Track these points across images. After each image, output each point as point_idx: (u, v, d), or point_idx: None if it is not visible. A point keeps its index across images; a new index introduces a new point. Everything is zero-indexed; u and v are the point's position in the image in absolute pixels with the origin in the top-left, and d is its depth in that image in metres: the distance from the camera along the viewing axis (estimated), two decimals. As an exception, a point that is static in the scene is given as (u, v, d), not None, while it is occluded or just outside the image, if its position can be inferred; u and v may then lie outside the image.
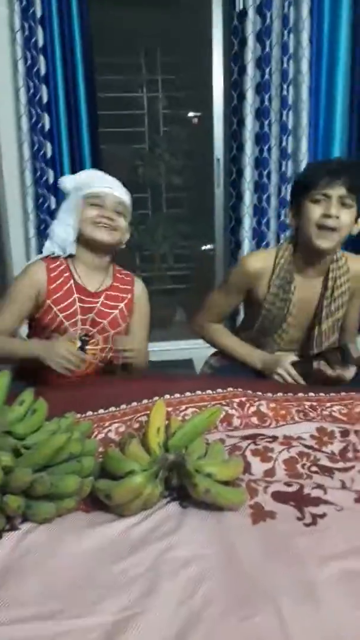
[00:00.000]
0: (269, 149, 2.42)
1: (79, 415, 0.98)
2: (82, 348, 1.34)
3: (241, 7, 2.33)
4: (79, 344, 1.34)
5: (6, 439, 0.81)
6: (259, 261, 1.36)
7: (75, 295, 1.34)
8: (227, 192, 2.65)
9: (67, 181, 1.39)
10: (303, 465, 0.85)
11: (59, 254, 1.36)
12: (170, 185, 3.32)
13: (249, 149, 2.43)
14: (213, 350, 1.53)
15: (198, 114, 3.25)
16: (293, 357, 1.30)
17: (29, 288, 1.31)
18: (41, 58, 2.25)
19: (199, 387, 1.08)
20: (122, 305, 1.41)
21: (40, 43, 2.24)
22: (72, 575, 0.66)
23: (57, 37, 2.25)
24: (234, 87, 2.44)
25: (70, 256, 1.38)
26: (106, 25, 2.59)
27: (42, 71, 2.27)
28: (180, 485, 0.79)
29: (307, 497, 0.78)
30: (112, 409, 1.02)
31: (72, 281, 1.35)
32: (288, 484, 0.81)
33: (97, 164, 2.41)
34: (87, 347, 1.35)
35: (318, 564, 0.65)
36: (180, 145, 3.25)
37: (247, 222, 2.47)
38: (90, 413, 1.00)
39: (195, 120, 3.33)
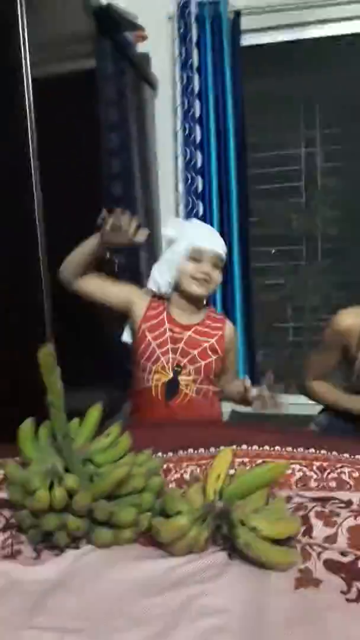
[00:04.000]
0: None
1: (160, 454, 1.04)
2: (175, 378, 1.44)
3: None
4: (171, 374, 1.44)
5: (85, 466, 0.91)
6: (350, 317, 1.35)
7: (167, 325, 1.47)
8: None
9: (172, 230, 1.51)
10: (369, 537, 0.78)
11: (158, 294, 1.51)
12: (326, 236, 3.28)
13: None
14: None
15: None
16: None
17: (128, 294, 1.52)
18: (197, 127, 2.50)
19: (281, 442, 1.06)
20: (212, 340, 1.49)
21: (197, 114, 2.49)
22: (106, 600, 0.72)
23: (212, 109, 2.47)
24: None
25: (165, 298, 1.52)
26: (264, 90, 2.75)
27: (198, 139, 2.51)
28: (230, 537, 0.79)
29: (360, 572, 0.71)
30: (190, 451, 1.06)
31: (165, 313, 1.49)
32: (344, 554, 0.75)
33: (244, 218, 2.54)
34: (180, 377, 1.45)
35: (341, 644, 0.60)
36: (336, 197, 3.22)
37: None
38: (170, 454, 1.06)
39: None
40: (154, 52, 2.46)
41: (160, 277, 1.49)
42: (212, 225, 2.53)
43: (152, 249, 2.49)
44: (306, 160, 3.32)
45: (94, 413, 1.03)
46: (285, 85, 3.02)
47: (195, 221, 1.62)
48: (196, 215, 2.55)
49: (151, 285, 1.53)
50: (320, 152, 3.27)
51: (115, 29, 1.90)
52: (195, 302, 1.51)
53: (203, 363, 1.47)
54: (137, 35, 2.24)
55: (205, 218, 2.54)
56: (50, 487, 0.82)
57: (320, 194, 3.28)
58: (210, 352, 1.48)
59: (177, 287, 1.49)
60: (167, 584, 0.74)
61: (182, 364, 1.45)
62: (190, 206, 2.54)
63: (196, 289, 1.45)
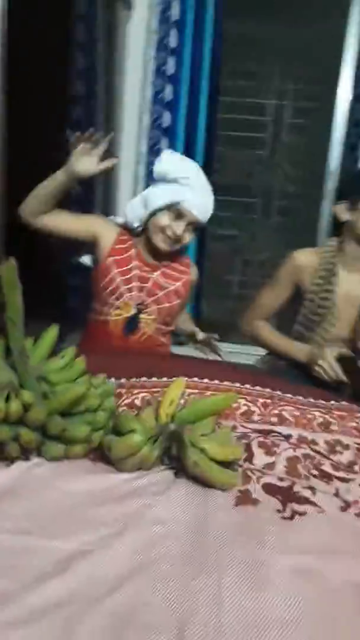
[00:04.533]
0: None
1: (112, 380, 1.06)
2: (136, 316, 1.44)
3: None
4: (133, 311, 1.43)
5: (39, 383, 0.91)
6: (306, 255, 1.45)
7: (135, 262, 1.44)
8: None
9: (167, 167, 1.38)
10: (304, 467, 0.85)
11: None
12: (283, 193, 3.32)
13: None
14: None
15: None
16: (340, 350, 1.29)
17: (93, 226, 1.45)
18: (171, 59, 2.39)
19: (230, 378, 1.11)
20: (178, 284, 1.49)
21: (173, 45, 2.38)
22: (57, 506, 0.74)
23: (190, 40, 2.36)
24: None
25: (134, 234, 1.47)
26: (243, 34, 2.67)
27: (170, 71, 2.40)
28: (178, 457, 0.84)
29: (295, 495, 0.78)
30: (144, 379, 1.09)
31: (133, 250, 1.45)
32: (281, 479, 0.81)
33: (210, 165, 2.50)
34: (142, 315, 1.44)
35: (276, 555, 0.66)
36: (299, 156, 3.24)
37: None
38: (123, 380, 1.08)
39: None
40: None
41: (133, 212, 1.42)
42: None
43: (108, 180, 2.43)
44: (275, 112, 3.30)
45: (50, 333, 1.02)
46: (267, 33, 2.94)
47: (193, 167, 1.43)
48: (158, 152, 2.48)
49: (121, 217, 1.48)
50: (291, 106, 3.25)
51: None
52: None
53: (167, 305, 1.47)
54: None
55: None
56: (6, 400, 0.82)
57: (283, 150, 3.28)
58: (174, 295, 1.49)
59: (144, 229, 1.44)
60: (116, 495, 0.77)
61: (146, 303, 1.44)
62: (154, 141, 2.47)
63: (161, 243, 1.41)
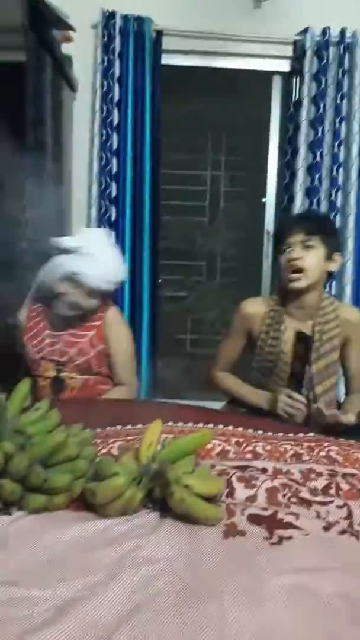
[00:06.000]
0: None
1: (88, 430, 1.06)
2: (58, 377, 1.53)
3: (297, 97, 2.57)
4: (53, 373, 1.53)
5: (16, 436, 0.91)
6: (254, 304, 1.55)
7: (45, 332, 1.55)
8: (274, 264, 2.78)
9: (75, 244, 1.46)
10: (284, 495, 0.87)
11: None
12: (225, 255, 3.51)
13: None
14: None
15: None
16: (290, 392, 1.34)
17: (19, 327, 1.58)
18: (114, 135, 2.56)
19: (203, 420, 1.14)
20: (90, 333, 1.54)
21: (115, 122, 2.55)
22: (45, 557, 0.72)
23: (131, 118, 2.55)
24: (286, 167, 2.63)
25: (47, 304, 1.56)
26: (179, 112, 2.91)
27: (115, 146, 2.57)
28: (162, 499, 0.84)
29: (279, 522, 0.80)
30: (118, 427, 1.10)
31: (44, 321, 1.57)
32: (264, 509, 0.84)
33: (155, 232, 2.63)
34: (63, 374, 1.53)
35: (270, 576, 0.68)
36: (237, 219, 3.46)
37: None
38: (98, 430, 1.09)
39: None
40: (76, 56, 2.50)
41: (41, 286, 1.52)
42: (124, 232, 2.58)
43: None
44: (211, 182, 3.54)
45: (23, 387, 1.03)
46: (197, 108, 3.21)
47: (97, 238, 1.52)
48: (108, 220, 2.59)
49: (34, 287, 1.56)
50: (225, 176, 3.51)
51: (46, 23, 1.92)
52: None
53: (83, 359, 1.53)
54: (63, 35, 2.26)
55: (118, 223, 2.59)
56: (-15, 452, 0.81)
57: (222, 216, 3.51)
58: (89, 347, 1.53)
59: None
60: (103, 541, 0.76)
61: (62, 362, 1.53)
62: (103, 210, 2.58)
63: (61, 310, 1.50)
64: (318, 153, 2.52)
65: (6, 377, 1.13)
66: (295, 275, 1.42)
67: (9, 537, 0.76)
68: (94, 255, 1.45)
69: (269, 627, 0.59)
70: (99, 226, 2.56)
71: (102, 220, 2.58)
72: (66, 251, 1.46)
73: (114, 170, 2.57)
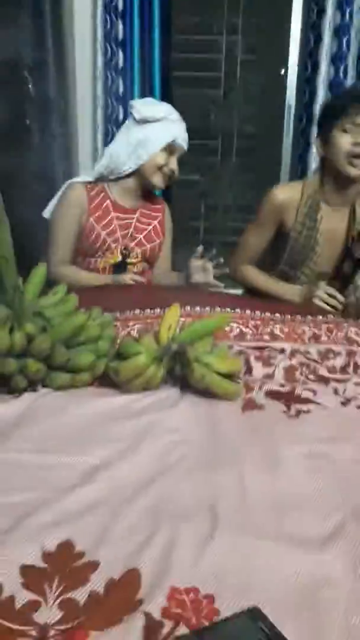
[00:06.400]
0: (343, 97, 2.36)
1: (107, 314, 1.07)
2: (123, 261, 1.48)
3: None
4: (119, 257, 1.48)
5: (36, 318, 0.91)
6: (286, 192, 1.41)
7: (113, 213, 1.47)
8: (296, 142, 2.61)
9: (149, 112, 1.42)
10: (302, 373, 0.90)
11: (101, 178, 1.48)
12: (242, 133, 3.29)
13: (322, 96, 2.37)
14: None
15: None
16: (325, 285, 1.31)
17: (74, 208, 1.44)
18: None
19: (221, 305, 1.14)
20: (155, 222, 1.55)
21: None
22: (73, 427, 0.76)
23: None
24: (312, 30, 2.36)
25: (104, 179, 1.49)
26: None
27: (120, 8, 2.31)
28: (182, 375, 0.87)
29: (298, 397, 0.83)
30: (137, 311, 1.10)
31: (109, 200, 1.48)
32: (282, 385, 0.86)
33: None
34: (128, 259, 1.49)
35: (288, 445, 0.71)
36: (255, 92, 3.20)
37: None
38: (117, 314, 1.10)
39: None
40: None
41: (127, 157, 1.44)
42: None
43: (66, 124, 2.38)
44: (227, 49, 3.22)
45: (39, 271, 1.02)
46: None
47: (167, 108, 1.49)
48: (116, 92, 2.41)
49: (102, 168, 1.48)
50: (242, 41, 3.17)
51: None
52: (143, 188, 1.51)
53: (149, 246, 1.53)
54: None
55: (125, 97, 2.41)
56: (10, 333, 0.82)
57: (239, 87, 3.23)
58: (154, 235, 1.54)
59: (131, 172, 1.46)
60: (127, 414, 0.80)
61: (129, 247, 1.50)
62: (110, 81, 2.39)
63: (159, 181, 1.46)
64: (347, 12, 2.24)
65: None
66: (357, 161, 1.28)
67: (38, 410, 0.80)
68: (178, 120, 1.47)
69: (288, 491, 0.62)
70: (106, 100, 2.39)
71: (110, 93, 2.40)
72: (144, 121, 1.43)
73: (120, 36, 2.33)
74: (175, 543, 0.54)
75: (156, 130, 1.42)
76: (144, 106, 1.44)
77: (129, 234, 1.49)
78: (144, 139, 1.42)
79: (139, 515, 0.59)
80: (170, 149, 1.44)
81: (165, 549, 0.53)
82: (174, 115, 1.46)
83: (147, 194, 1.55)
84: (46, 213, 1.55)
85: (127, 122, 1.51)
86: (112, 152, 1.47)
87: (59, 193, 1.52)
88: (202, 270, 1.38)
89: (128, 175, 1.47)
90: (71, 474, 0.66)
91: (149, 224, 1.53)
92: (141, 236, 1.51)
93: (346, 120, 1.28)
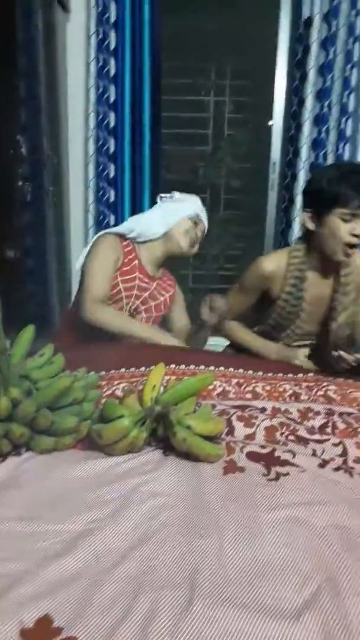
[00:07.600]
0: (325, 155, 2.47)
1: (92, 373, 1.09)
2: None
3: (307, 15, 2.39)
4: (126, 314, 1.56)
5: (22, 381, 0.94)
6: (273, 262, 1.43)
7: (137, 274, 1.57)
8: (280, 196, 2.71)
9: (179, 195, 1.69)
10: (282, 434, 0.92)
11: (130, 237, 1.60)
12: (229, 187, 3.41)
13: (305, 155, 2.48)
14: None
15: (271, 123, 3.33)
16: (306, 352, 1.36)
17: (114, 253, 1.54)
18: (112, 60, 2.42)
19: (205, 363, 1.17)
20: (167, 295, 1.67)
21: (112, 45, 2.41)
22: (56, 493, 0.77)
23: (128, 40, 2.40)
24: (294, 93, 2.50)
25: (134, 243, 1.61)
26: (180, 31, 2.73)
27: (112, 72, 2.43)
28: (165, 437, 0.88)
29: (277, 459, 0.85)
30: (122, 370, 1.13)
31: (137, 261, 1.59)
32: (263, 447, 0.88)
33: (157, 163, 2.55)
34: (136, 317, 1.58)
35: (268, 510, 0.72)
36: (241, 148, 3.34)
37: (297, 226, 2.52)
38: (102, 373, 1.12)
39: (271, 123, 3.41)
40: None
41: (155, 225, 1.59)
42: (123, 164, 2.52)
43: (56, 180, 2.45)
44: (215, 108, 3.38)
45: (27, 333, 1.04)
46: (201, 29, 3.01)
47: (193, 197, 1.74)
48: (107, 152, 2.51)
49: (130, 230, 1.59)
50: (229, 102, 3.34)
51: None
52: (167, 256, 1.63)
53: (154, 315, 1.62)
54: None
55: (117, 156, 2.51)
56: (-6, 397, 0.84)
57: (226, 144, 3.37)
58: (163, 307, 1.65)
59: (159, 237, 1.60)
60: (111, 477, 0.81)
61: (139, 310, 1.58)
62: (101, 142, 2.49)
63: (186, 244, 1.60)
64: (328, 77, 2.38)
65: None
66: (353, 250, 1.31)
67: (21, 475, 0.81)
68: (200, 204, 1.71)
69: (265, 558, 0.63)
70: (97, 159, 2.49)
71: (101, 152, 2.50)
72: (175, 199, 1.67)
73: (112, 98, 2.45)
74: (153, 616, 0.55)
75: (185, 204, 1.65)
76: (173, 195, 1.68)
77: (142, 297, 1.58)
78: (175, 208, 1.63)
79: (118, 586, 0.60)
80: (195, 220, 1.62)
81: (143, 623, 0.54)
82: (199, 202, 1.70)
83: (167, 264, 1.69)
84: (77, 264, 1.64)
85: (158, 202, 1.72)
86: (143, 217, 1.64)
87: (91, 243, 1.61)
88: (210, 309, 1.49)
89: (156, 240, 1.60)
90: (53, 542, 0.67)
91: (161, 296, 1.66)
92: (153, 304, 1.62)
93: (347, 210, 1.26)
